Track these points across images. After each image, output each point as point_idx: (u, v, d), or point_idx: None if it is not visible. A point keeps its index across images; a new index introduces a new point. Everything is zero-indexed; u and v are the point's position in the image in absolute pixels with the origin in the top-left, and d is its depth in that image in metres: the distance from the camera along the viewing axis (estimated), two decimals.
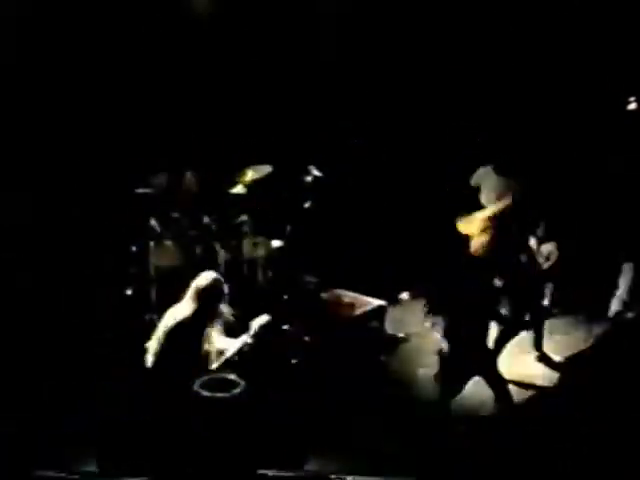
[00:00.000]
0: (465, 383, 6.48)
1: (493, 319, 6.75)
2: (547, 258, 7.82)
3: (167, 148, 9.07)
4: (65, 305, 8.05)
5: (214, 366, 5.88)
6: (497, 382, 6.57)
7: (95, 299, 8.14)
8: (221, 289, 5.94)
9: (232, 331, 6.36)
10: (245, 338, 6.03)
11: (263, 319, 6.13)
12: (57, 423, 6.45)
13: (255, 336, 6.02)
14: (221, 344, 6.04)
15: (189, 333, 5.78)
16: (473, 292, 6.45)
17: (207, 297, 5.84)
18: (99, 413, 6.35)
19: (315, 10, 9.97)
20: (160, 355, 5.80)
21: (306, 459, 6.19)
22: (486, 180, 8.31)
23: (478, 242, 7.50)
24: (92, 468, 5.93)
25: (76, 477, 5.36)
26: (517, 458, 6.13)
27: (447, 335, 6.41)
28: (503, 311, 7.17)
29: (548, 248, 7.83)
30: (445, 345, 6.41)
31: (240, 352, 6.00)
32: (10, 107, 8.82)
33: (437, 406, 6.58)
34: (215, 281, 5.93)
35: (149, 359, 5.88)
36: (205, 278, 5.93)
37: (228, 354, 5.95)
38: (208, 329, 5.88)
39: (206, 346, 5.86)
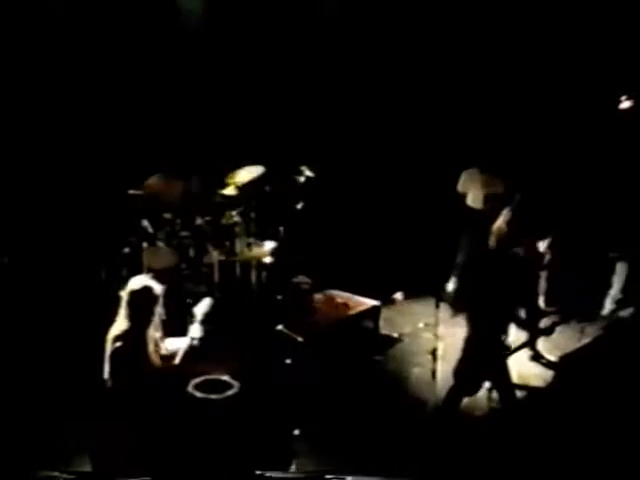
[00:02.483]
0: (481, 384, 6.40)
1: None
2: (542, 255, 7.80)
3: (161, 149, 9.06)
4: (58, 307, 8.03)
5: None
6: (507, 385, 6.46)
7: (87, 301, 8.12)
8: (153, 294, 5.69)
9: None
10: (194, 329, 5.83)
11: (205, 304, 5.94)
12: (56, 423, 6.49)
13: (202, 323, 5.81)
14: (169, 346, 5.88)
15: (131, 346, 5.61)
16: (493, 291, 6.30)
17: (140, 304, 5.65)
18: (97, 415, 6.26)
19: (312, 12, 9.97)
20: (113, 374, 5.64)
21: (300, 459, 6.15)
22: (471, 182, 8.58)
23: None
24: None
25: (76, 477, 5.27)
26: (514, 456, 6.12)
27: (468, 337, 6.30)
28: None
29: (543, 245, 7.80)
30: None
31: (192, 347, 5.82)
32: (10, 107, 8.85)
33: (448, 406, 6.50)
34: (144, 286, 5.68)
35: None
36: (134, 285, 5.69)
37: (180, 353, 5.78)
38: (152, 335, 5.71)
39: (155, 352, 5.68)
